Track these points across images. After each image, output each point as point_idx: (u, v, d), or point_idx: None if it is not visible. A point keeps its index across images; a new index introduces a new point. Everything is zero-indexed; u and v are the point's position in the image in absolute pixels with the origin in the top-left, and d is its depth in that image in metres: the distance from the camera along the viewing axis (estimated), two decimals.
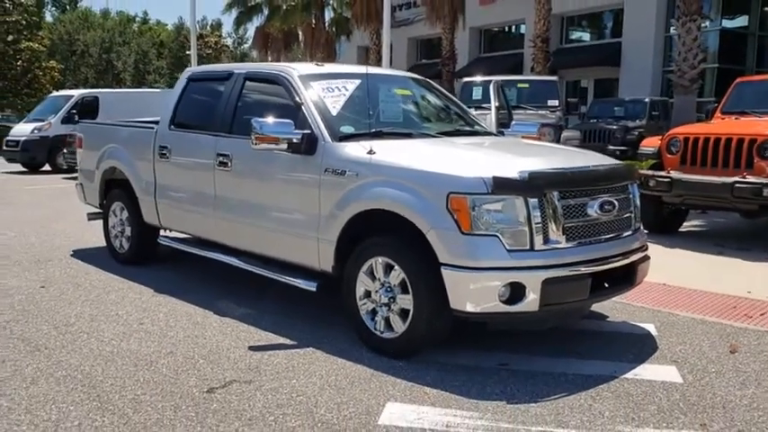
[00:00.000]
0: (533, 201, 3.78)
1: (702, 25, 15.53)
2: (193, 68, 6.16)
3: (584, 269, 3.91)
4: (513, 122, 6.14)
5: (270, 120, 4.55)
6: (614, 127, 16.55)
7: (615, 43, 23.72)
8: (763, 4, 22.14)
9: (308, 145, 4.55)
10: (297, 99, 4.80)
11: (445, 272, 3.80)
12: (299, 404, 3.48)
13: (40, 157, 17.65)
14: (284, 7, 30.88)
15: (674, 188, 7.25)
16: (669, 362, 4.15)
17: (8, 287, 5.74)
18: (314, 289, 4.60)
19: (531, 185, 3.80)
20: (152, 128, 6.13)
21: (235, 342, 4.41)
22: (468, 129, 5.35)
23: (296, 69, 5.09)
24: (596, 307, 5.02)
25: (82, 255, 7.04)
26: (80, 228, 8.12)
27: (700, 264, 6.73)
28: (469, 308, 3.80)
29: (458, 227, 3.75)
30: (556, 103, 13.02)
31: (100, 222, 7.02)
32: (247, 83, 5.34)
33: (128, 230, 6.56)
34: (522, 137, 5.64)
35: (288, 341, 4.43)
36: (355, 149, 4.38)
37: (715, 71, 21.57)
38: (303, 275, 4.74)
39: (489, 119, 5.72)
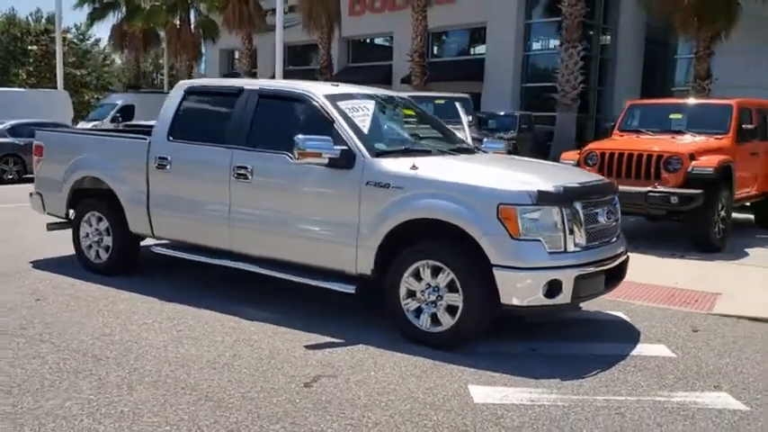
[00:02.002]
0: (566, 210, 4.53)
1: (581, 51, 17.37)
2: (189, 81, 6.29)
3: (600, 267, 4.72)
4: (485, 140, 6.92)
5: (311, 136, 4.92)
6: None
7: (479, 59, 25.55)
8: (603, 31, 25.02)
9: (347, 160, 4.98)
10: (328, 118, 5.20)
11: (497, 272, 4.43)
12: (396, 391, 3.95)
13: None
14: (147, 7, 29.83)
15: None
16: (655, 341, 5.07)
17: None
18: (353, 291, 5.04)
19: (565, 197, 4.54)
20: (144, 138, 6.18)
21: (287, 344, 4.73)
22: (466, 146, 6.02)
23: (319, 89, 5.48)
24: None
25: (44, 265, 6.84)
26: (29, 239, 7.81)
27: None
28: (516, 302, 4.47)
29: (508, 233, 4.41)
30: (470, 118, 14.06)
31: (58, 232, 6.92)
32: (262, 100, 5.63)
33: (106, 240, 6.51)
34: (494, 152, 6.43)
35: (335, 339, 4.82)
36: (396, 165, 4.89)
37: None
38: (335, 279, 5.15)
39: (464, 136, 6.40)
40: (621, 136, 9.65)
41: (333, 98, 5.38)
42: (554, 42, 25.27)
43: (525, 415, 3.69)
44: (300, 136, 4.92)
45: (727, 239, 8.60)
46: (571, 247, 4.55)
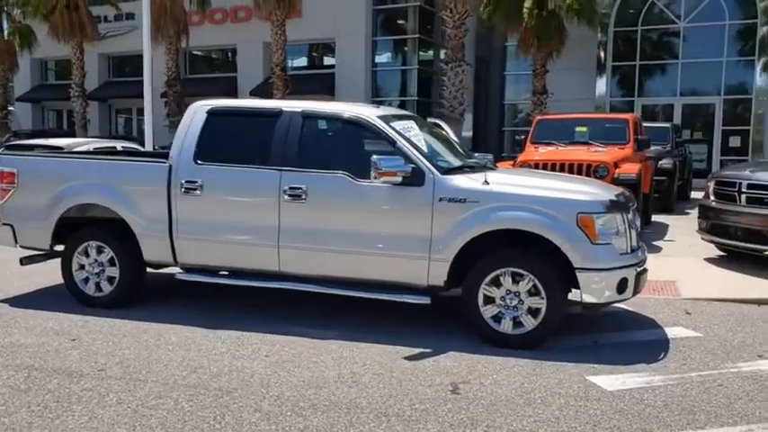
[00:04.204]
0: (628, 216, 5.21)
1: (463, 69, 18.52)
2: (210, 102, 6.04)
3: (645, 265, 5.44)
4: (476, 154, 7.44)
5: (386, 156, 5.13)
6: None
7: (331, 74, 26.07)
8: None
9: (417, 178, 5.24)
10: (388, 138, 5.41)
11: (580, 274, 4.97)
12: (536, 389, 4.32)
13: None
14: None
15: None
16: (671, 325, 5.91)
17: (27, 344, 5.04)
18: (428, 302, 5.31)
19: (625, 205, 5.22)
20: (163, 162, 5.88)
21: (386, 357, 4.88)
22: (490, 165, 6.50)
23: (370, 111, 5.67)
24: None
25: (26, 303, 6.20)
26: None
27: None
28: (594, 300, 5.05)
29: (588, 239, 4.96)
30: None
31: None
32: (307, 121, 5.66)
33: (110, 272, 6.08)
34: None
35: (425, 350, 5.04)
36: (469, 180, 5.26)
37: (415, 103, 25.31)
38: (403, 292, 5.38)
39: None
40: (536, 148, 10.69)
41: (386, 119, 5.59)
42: (400, 59, 26.62)
43: (655, 396, 4.25)
44: (376, 156, 5.11)
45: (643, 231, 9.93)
46: (630, 248, 5.22)
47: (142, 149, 12.76)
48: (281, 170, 5.54)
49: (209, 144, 5.83)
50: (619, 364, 4.81)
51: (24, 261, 6.46)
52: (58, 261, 6.33)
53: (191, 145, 5.83)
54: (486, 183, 5.19)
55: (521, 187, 5.27)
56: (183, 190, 5.76)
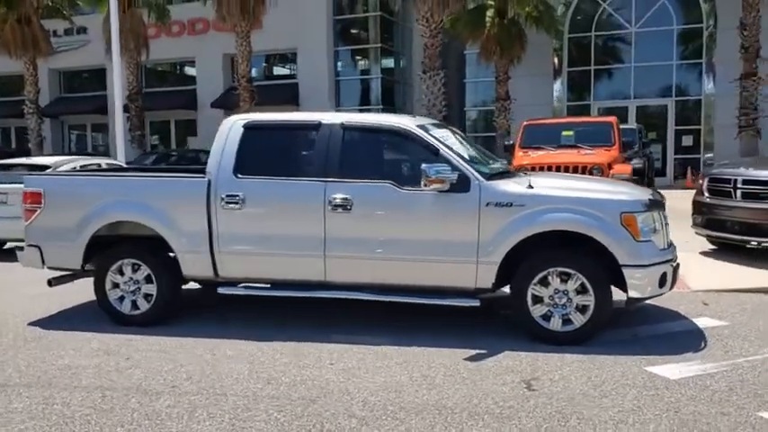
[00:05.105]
0: (663, 213, 5.49)
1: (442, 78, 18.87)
2: (245, 116, 6.07)
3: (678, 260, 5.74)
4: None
5: (435, 164, 5.28)
6: None
7: (294, 84, 26.07)
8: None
9: (462, 184, 5.40)
10: (431, 147, 5.55)
11: (626, 270, 5.21)
12: (605, 382, 4.52)
13: None
14: None
15: None
16: (696, 315, 6.21)
17: (85, 365, 4.98)
18: (478, 304, 5.47)
19: (660, 203, 5.50)
20: (201, 176, 5.89)
21: (447, 360, 5.00)
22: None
23: (409, 121, 5.81)
24: None
25: (61, 325, 6.09)
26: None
27: None
28: (639, 295, 5.31)
29: (632, 237, 5.21)
30: None
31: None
32: (348, 133, 5.76)
33: (146, 289, 6.03)
34: None
35: (481, 351, 5.16)
36: (513, 185, 5.45)
37: (379, 111, 25.51)
38: (452, 296, 5.54)
39: None
40: (526, 152, 11.01)
41: (425, 128, 5.74)
42: (363, 68, 26.83)
43: (717, 382, 4.50)
44: (426, 165, 5.26)
45: None
46: (666, 245, 5.50)
47: (126, 166, 12.57)
48: (325, 181, 5.62)
49: (248, 157, 5.85)
50: (666, 355, 5.06)
51: (53, 282, 6.34)
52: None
53: (229, 159, 5.84)
54: (531, 186, 5.39)
55: (563, 190, 5.48)
56: (223, 204, 5.77)
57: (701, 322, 5.98)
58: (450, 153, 5.55)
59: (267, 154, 5.96)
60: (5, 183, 10.49)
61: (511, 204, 5.35)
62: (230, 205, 5.76)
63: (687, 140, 24.48)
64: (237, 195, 5.76)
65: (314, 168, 5.72)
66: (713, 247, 9.13)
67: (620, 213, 5.23)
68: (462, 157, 5.59)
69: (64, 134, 31.80)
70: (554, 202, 5.34)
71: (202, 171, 5.98)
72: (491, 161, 6.37)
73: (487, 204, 5.37)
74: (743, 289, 7.13)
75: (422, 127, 5.75)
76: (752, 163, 9.12)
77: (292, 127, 6.11)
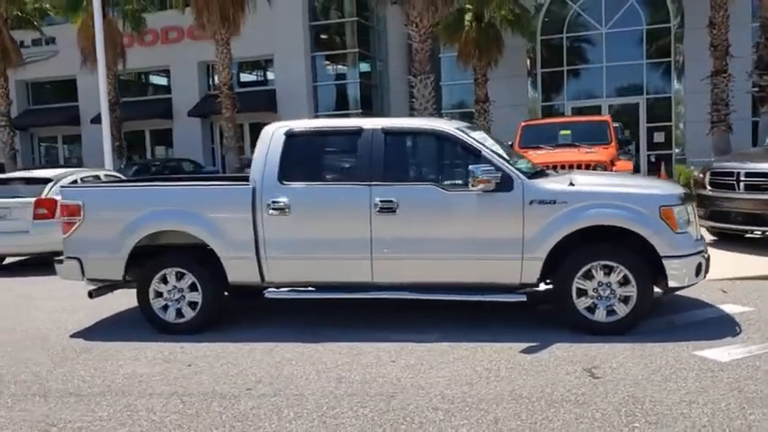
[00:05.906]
0: (694, 207, 5.77)
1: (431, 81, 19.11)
2: (286, 124, 6.16)
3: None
4: None
5: (481, 165, 5.48)
6: None
7: (272, 90, 26.04)
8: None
9: (506, 183, 5.60)
10: (473, 149, 5.74)
11: (666, 262, 5.47)
12: (662, 367, 4.75)
13: None
14: None
15: None
16: (723, 303, 6.51)
17: (150, 373, 5.03)
18: (525, 299, 5.67)
19: (692, 197, 5.80)
20: (245, 184, 5.97)
21: (502, 354, 5.18)
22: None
23: (448, 124, 6.01)
24: None
25: (109, 335, 6.12)
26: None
27: None
28: (678, 284, 5.58)
29: (671, 229, 5.47)
30: None
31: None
32: (389, 137, 5.90)
33: (191, 297, 6.09)
34: None
35: (532, 344, 5.34)
36: (555, 183, 5.67)
37: (358, 116, 25.64)
38: (497, 292, 5.74)
39: None
40: (526, 152, 11.24)
41: (464, 131, 5.93)
42: (340, 73, 26.93)
43: (765, 363, 4.77)
44: (473, 166, 5.46)
45: None
46: (698, 236, 5.78)
47: (124, 178, 12.48)
48: (370, 185, 5.76)
49: (292, 164, 5.97)
50: (708, 340, 5.32)
51: (93, 294, 6.35)
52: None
53: (273, 166, 5.94)
54: (572, 184, 5.62)
55: (603, 186, 5.74)
56: (269, 210, 5.87)
57: (729, 309, 6.27)
58: (492, 154, 5.75)
59: (310, 160, 6.09)
60: (5, 197, 10.40)
61: (554, 202, 5.56)
62: (276, 211, 5.87)
63: (659, 137, 25.14)
64: (282, 201, 5.86)
65: (358, 172, 5.85)
66: (714, 237, 9.50)
67: (659, 207, 5.48)
68: (503, 158, 5.79)
69: (33, 146, 31.19)
70: (596, 198, 5.57)
71: (235, 179, 6.07)
72: (519, 160, 6.58)
73: (531, 202, 5.58)
74: (757, 276, 7.47)
75: (460, 129, 5.94)
76: (752, 156, 9.52)
77: (333, 133, 6.26)
